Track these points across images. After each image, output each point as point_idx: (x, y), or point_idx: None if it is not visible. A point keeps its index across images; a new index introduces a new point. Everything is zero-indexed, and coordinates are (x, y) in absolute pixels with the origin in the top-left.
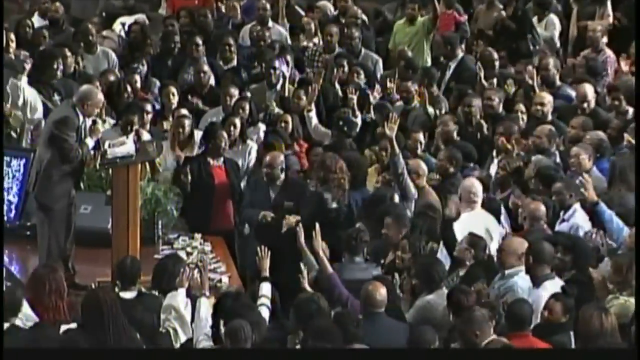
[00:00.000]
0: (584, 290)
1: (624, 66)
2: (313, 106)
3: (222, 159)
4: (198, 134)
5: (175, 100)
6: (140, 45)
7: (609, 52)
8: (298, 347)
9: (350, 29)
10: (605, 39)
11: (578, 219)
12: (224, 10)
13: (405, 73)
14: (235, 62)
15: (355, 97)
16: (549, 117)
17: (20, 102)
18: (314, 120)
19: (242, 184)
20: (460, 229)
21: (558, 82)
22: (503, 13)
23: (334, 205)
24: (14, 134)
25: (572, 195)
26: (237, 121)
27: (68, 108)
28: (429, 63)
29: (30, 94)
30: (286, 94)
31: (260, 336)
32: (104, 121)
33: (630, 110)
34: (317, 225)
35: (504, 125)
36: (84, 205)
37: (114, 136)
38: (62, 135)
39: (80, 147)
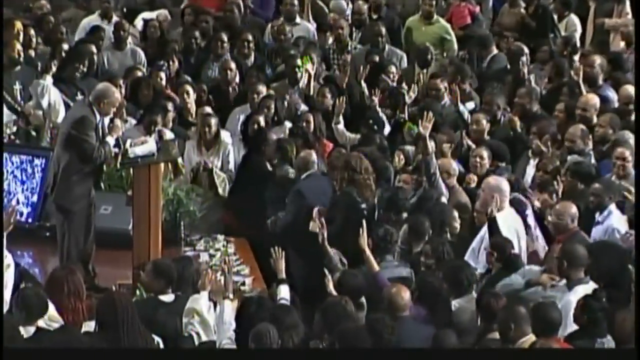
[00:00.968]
0: (619, 294)
1: None
2: (341, 118)
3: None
4: (225, 134)
5: (191, 99)
6: (164, 42)
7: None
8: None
9: (376, 25)
10: (623, 44)
11: (614, 221)
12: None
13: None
14: (252, 59)
15: (377, 98)
16: (594, 121)
17: (45, 103)
18: (343, 130)
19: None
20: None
21: (600, 81)
22: (523, 11)
23: (363, 205)
24: (33, 133)
25: (611, 198)
26: (262, 119)
27: (84, 107)
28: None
29: (55, 96)
30: (311, 92)
31: (298, 339)
32: (125, 121)
33: None
34: (364, 222)
35: (539, 125)
36: (104, 206)
37: (136, 135)
38: (81, 135)
39: (102, 146)
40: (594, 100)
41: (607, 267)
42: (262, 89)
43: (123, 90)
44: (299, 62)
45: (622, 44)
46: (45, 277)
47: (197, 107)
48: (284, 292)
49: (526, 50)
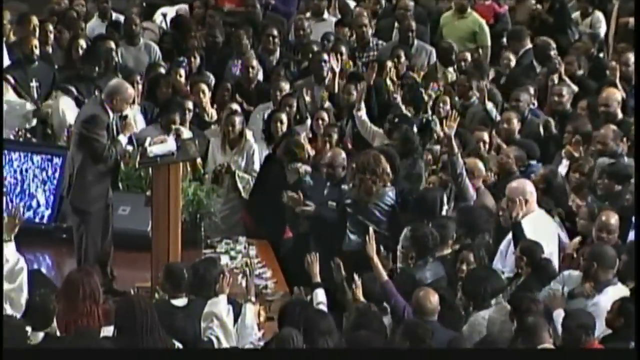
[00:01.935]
0: None
1: None
2: (363, 105)
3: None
4: (249, 133)
5: (207, 98)
6: (184, 38)
7: None
8: None
9: (406, 20)
10: None
11: None
12: None
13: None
14: (277, 55)
15: (399, 96)
16: (619, 116)
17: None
18: (365, 119)
19: None
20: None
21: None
22: (539, 6)
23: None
24: (50, 131)
25: None
26: (284, 117)
27: (96, 105)
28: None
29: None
30: (336, 89)
31: (333, 344)
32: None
33: None
34: (371, 229)
35: (574, 124)
36: (123, 207)
37: (154, 134)
38: (91, 135)
39: (113, 145)
40: (616, 94)
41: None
42: (286, 86)
43: (140, 87)
44: (325, 57)
45: None
46: (61, 280)
47: (221, 104)
48: (321, 296)
49: (554, 44)
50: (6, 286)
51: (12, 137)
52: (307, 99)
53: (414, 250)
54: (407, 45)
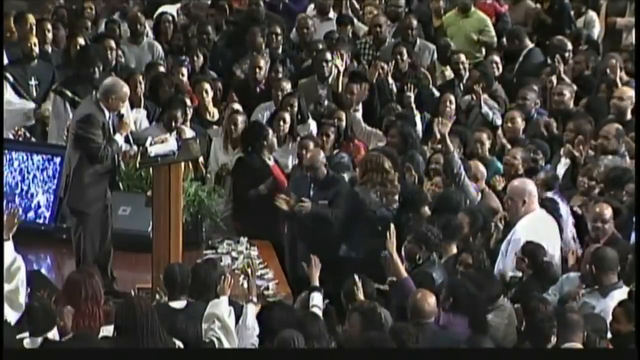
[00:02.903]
0: None
1: None
2: (360, 106)
3: (272, 158)
4: None
5: (209, 98)
6: (186, 37)
7: None
8: None
9: (407, 17)
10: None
11: None
12: None
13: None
14: (280, 52)
15: (412, 95)
16: (628, 115)
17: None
18: (359, 119)
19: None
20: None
21: (625, 77)
22: (538, 6)
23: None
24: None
25: None
26: (287, 116)
27: (91, 105)
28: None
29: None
30: (340, 89)
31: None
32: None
33: None
34: (392, 226)
35: (576, 123)
36: (123, 207)
37: (156, 133)
38: (86, 134)
39: (109, 144)
40: (630, 92)
41: None
42: (287, 86)
43: (143, 87)
44: (328, 56)
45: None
46: (63, 282)
47: (220, 104)
48: (317, 299)
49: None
50: (4, 286)
51: (11, 136)
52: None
53: (419, 250)
54: (409, 43)
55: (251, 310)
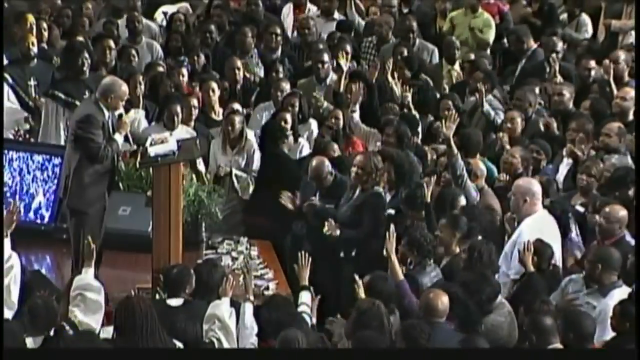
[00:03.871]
0: None
1: None
2: (357, 107)
3: None
4: (250, 133)
5: (216, 96)
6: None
7: None
8: None
9: (407, 19)
10: (632, 39)
11: None
12: None
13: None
14: (279, 53)
15: (409, 95)
16: (630, 116)
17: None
18: (357, 120)
19: None
20: (528, 235)
21: (627, 78)
22: (529, 9)
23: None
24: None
25: None
26: (289, 117)
27: (90, 105)
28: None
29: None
30: (341, 89)
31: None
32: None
33: None
34: (392, 226)
35: (577, 122)
36: (123, 207)
37: (156, 133)
38: (86, 134)
39: (109, 144)
40: (632, 93)
41: None
42: (286, 86)
43: (142, 87)
44: (325, 57)
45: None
46: (62, 281)
47: (221, 104)
48: (305, 297)
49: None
50: None
51: (11, 136)
52: None
53: (412, 255)
54: (409, 43)
55: (249, 310)
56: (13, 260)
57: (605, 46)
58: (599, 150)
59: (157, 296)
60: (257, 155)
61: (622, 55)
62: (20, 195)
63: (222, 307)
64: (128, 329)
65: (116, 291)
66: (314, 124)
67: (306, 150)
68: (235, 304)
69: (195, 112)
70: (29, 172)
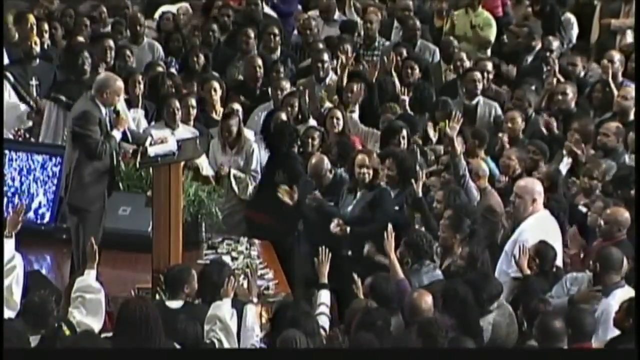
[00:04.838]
0: None
1: None
2: (357, 108)
3: None
4: (248, 132)
5: (218, 96)
6: (181, 36)
7: None
8: None
9: (411, 19)
10: (630, 39)
11: None
12: None
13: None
14: (278, 53)
15: (407, 98)
16: (631, 116)
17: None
18: (356, 120)
19: None
20: (531, 235)
21: (620, 78)
22: (529, 10)
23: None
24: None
25: None
26: (284, 116)
27: (86, 102)
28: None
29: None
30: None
31: (316, 346)
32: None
33: None
34: (390, 225)
35: (580, 122)
36: (123, 207)
37: (157, 132)
38: (83, 131)
39: (107, 140)
40: (632, 93)
41: None
42: (286, 85)
43: (142, 87)
44: (325, 57)
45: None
46: (62, 281)
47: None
48: (324, 297)
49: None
50: None
51: (11, 136)
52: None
53: (409, 255)
54: (411, 43)
55: (251, 311)
56: (16, 261)
57: (600, 45)
58: (597, 150)
59: (157, 297)
60: (256, 155)
61: (616, 55)
62: (20, 195)
63: (223, 308)
64: (128, 330)
65: (116, 291)
66: (313, 123)
67: None
68: (236, 305)
69: (193, 112)
70: (29, 172)
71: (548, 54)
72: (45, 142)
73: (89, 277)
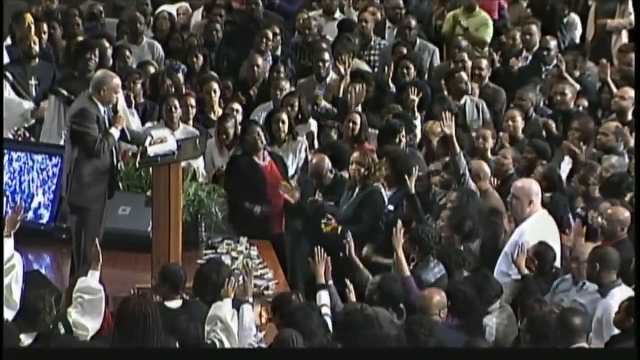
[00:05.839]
0: None
1: None
2: (359, 108)
3: (268, 157)
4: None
5: (217, 97)
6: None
7: None
8: None
9: (406, 18)
10: (626, 39)
11: None
12: None
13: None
14: (279, 53)
15: (417, 99)
16: (629, 116)
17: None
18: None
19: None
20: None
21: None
22: (529, 10)
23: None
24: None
25: None
26: (285, 116)
27: (84, 100)
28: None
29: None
30: (341, 91)
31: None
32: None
33: None
34: (400, 222)
35: (580, 122)
36: (123, 207)
37: (157, 132)
38: (81, 129)
39: (105, 138)
40: (631, 92)
41: None
42: (286, 85)
43: (140, 87)
44: (326, 56)
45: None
46: (62, 281)
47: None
48: (324, 298)
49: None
50: None
51: (11, 136)
52: None
53: (413, 252)
54: (408, 43)
55: (248, 311)
56: (15, 260)
57: (596, 46)
58: (597, 150)
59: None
60: None
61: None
62: (20, 195)
63: (224, 309)
64: (128, 330)
65: (116, 291)
66: (313, 124)
67: (305, 151)
68: (235, 305)
69: (193, 112)
70: (29, 172)
71: (546, 53)
72: (45, 140)
73: (91, 278)
